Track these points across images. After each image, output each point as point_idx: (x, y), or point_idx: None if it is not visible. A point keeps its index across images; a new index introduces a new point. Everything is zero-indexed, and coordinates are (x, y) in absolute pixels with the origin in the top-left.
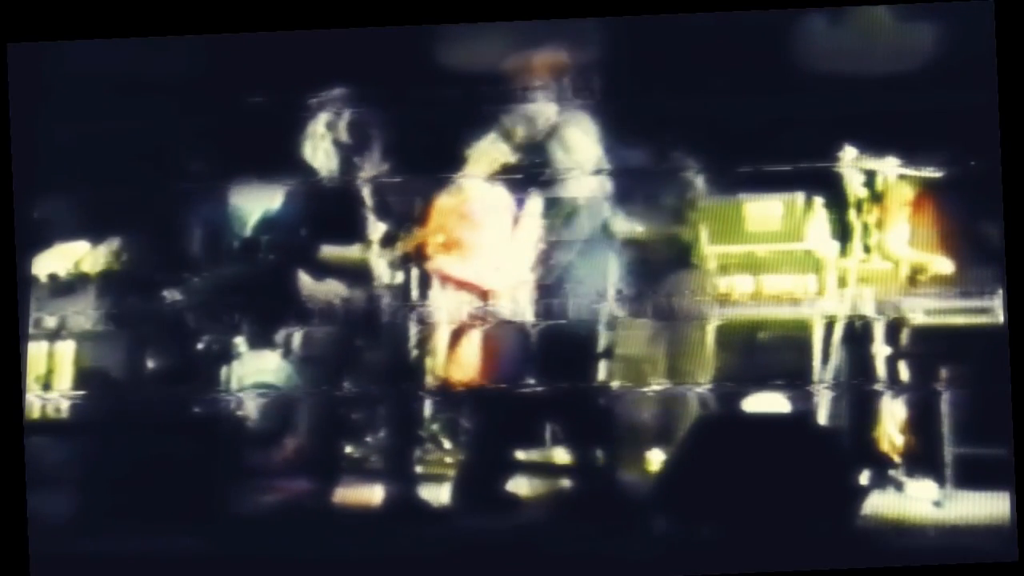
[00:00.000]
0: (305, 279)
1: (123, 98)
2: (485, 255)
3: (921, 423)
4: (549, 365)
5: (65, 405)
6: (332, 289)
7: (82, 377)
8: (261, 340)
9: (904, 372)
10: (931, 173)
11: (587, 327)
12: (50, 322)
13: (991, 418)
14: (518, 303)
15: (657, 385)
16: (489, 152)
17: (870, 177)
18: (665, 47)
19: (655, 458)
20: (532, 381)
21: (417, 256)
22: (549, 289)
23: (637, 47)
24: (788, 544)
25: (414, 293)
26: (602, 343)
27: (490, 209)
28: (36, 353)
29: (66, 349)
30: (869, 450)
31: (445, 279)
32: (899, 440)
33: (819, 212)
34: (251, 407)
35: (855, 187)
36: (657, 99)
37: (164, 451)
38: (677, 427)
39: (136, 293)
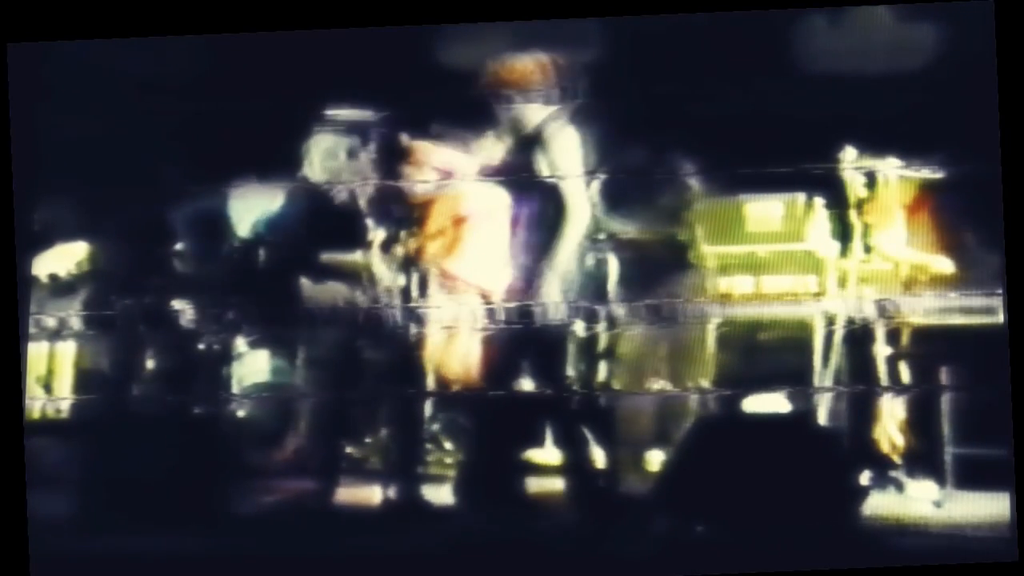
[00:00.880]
0: (305, 280)
1: (123, 98)
2: (484, 256)
3: (921, 423)
4: (549, 366)
5: (65, 405)
6: (333, 290)
7: (82, 377)
8: (261, 341)
9: (904, 372)
10: (931, 173)
11: (587, 328)
12: (50, 322)
13: (991, 418)
14: (517, 304)
15: (657, 386)
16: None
17: (870, 177)
18: (665, 47)
19: (655, 459)
20: (532, 381)
21: (417, 258)
22: (548, 290)
23: (637, 47)
24: (788, 544)
25: (414, 294)
26: (602, 344)
27: (489, 211)
28: (36, 353)
29: (66, 349)
30: (869, 450)
31: (445, 281)
32: (899, 440)
33: (819, 213)
34: (251, 408)
35: (855, 187)
36: (656, 99)
37: (164, 451)
38: (677, 428)
39: (136, 293)
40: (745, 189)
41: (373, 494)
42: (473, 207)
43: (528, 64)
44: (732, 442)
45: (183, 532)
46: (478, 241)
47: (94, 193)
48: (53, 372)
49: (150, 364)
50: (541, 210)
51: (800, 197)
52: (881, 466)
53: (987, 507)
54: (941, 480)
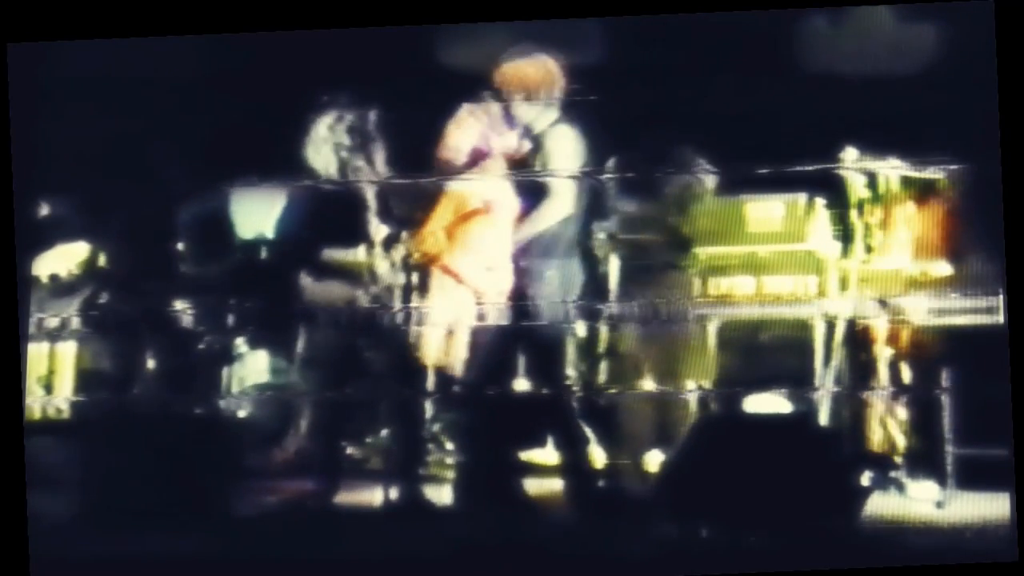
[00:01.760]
0: (306, 280)
1: (123, 98)
2: (486, 256)
3: (922, 424)
4: (549, 366)
5: (65, 405)
6: (334, 290)
7: (82, 378)
8: (262, 341)
9: (905, 373)
10: (932, 174)
11: (588, 328)
12: (51, 323)
13: (992, 419)
14: (518, 304)
15: (657, 386)
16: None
17: (871, 178)
18: (665, 47)
19: (655, 459)
20: (531, 381)
21: (419, 257)
22: (550, 290)
23: (637, 47)
24: (789, 545)
25: (415, 294)
26: (602, 344)
27: (492, 210)
28: (37, 353)
29: (67, 349)
30: (870, 451)
31: (446, 280)
32: (900, 441)
33: (821, 213)
34: (252, 408)
35: (856, 188)
36: (657, 100)
37: (165, 452)
38: (677, 428)
39: (136, 294)
40: (746, 189)
41: (374, 495)
42: (474, 205)
43: (529, 65)
44: (732, 443)
45: (183, 533)
46: (480, 240)
47: (94, 193)
48: (53, 372)
49: (150, 364)
50: (548, 208)
51: (801, 197)
52: (882, 466)
53: (988, 508)
54: (942, 480)
